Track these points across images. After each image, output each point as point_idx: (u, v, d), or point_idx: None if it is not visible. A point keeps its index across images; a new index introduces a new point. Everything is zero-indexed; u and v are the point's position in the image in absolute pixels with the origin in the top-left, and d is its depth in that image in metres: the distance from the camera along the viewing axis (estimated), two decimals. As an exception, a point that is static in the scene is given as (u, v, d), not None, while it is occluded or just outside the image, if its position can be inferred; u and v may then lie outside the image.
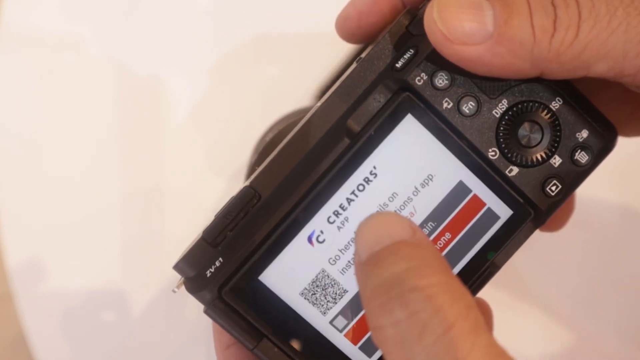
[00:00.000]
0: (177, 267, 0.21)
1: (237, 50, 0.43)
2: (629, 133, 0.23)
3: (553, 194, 0.20)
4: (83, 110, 0.44)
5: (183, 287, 0.22)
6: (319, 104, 0.21)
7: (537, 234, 0.23)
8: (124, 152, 0.43)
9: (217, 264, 0.20)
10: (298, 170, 0.20)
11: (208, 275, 0.20)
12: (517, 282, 0.41)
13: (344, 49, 0.42)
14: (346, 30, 0.23)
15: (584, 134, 0.20)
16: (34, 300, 0.42)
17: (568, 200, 0.23)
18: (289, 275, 0.20)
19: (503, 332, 0.25)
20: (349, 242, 0.20)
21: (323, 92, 0.40)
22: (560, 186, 0.20)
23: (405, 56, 0.20)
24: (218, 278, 0.20)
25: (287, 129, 0.29)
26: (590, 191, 0.40)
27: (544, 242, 0.40)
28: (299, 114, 0.33)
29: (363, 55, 0.21)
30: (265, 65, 0.43)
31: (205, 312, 0.21)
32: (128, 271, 0.42)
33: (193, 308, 0.42)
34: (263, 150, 0.30)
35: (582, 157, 0.20)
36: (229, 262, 0.20)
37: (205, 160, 0.40)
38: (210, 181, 0.39)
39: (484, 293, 0.23)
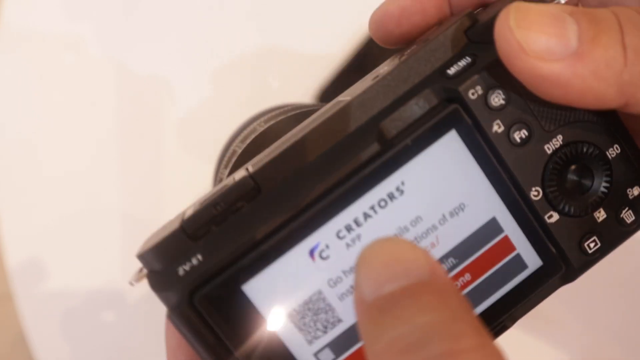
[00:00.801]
0: (143, 257, 0.17)
1: (236, 50, 0.44)
2: None
3: (590, 251, 0.18)
4: (83, 110, 0.44)
5: (144, 281, 0.18)
6: (348, 97, 0.18)
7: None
8: (124, 152, 0.43)
9: (195, 261, 0.17)
10: (312, 169, 0.17)
11: (180, 273, 0.17)
12: None
13: (344, 49, 0.42)
14: (383, 29, 0.20)
15: (636, 191, 0.18)
16: (33, 300, 0.42)
17: None
18: (278, 290, 0.17)
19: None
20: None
21: (323, 92, 0.38)
22: (599, 244, 0.18)
23: (460, 63, 0.17)
24: (192, 279, 0.17)
25: (288, 122, 0.26)
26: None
27: None
28: (291, 108, 0.30)
29: (406, 52, 0.18)
30: (266, 64, 0.43)
31: (168, 317, 0.17)
32: (128, 271, 0.41)
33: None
34: (256, 140, 0.27)
35: (628, 216, 0.18)
36: (209, 262, 0.17)
37: (206, 160, 0.38)
38: (211, 181, 0.38)
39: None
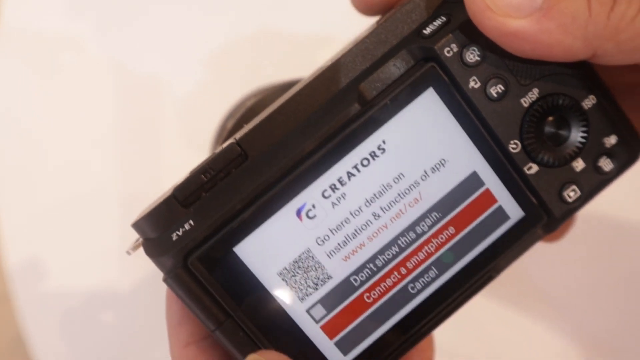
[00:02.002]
0: (137, 226, 0.18)
1: (236, 50, 0.43)
2: None
3: (570, 200, 0.18)
4: (83, 109, 0.44)
5: (140, 250, 0.19)
6: (330, 61, 0.18)
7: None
8: (124, 152, 0.43)
9: (187, 227, 0.17)
10: (296, 133, 0.18)
11: (174, 238, 0.17)
12: (524, 279, 0.41)
13: (340, 31, 0.42)
14: None
15: (612, 140, 0.18)
16: (32, 301, 0.41)
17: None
18: (269, 250, 0.18)
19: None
20: (343, 222, 0.18)
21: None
22: (579, 193, 0.18)
23: (435, 23, 0.18)
24: (186, 243, 0.17)
25: (275, 95, 0.27)
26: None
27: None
28: (281, 83, 0.30)
29: (387, 15, 0.19)
30: (260, 48, 0.43)
31: (165, 281, 0.18)
32: (128, 271, 0.41)
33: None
34: (245, 114, 0.27)
35: (606, 164, 0.18)
36: (201, 226, 0.17)
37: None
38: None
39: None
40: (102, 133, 0.43)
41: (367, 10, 0.21)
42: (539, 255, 0.42)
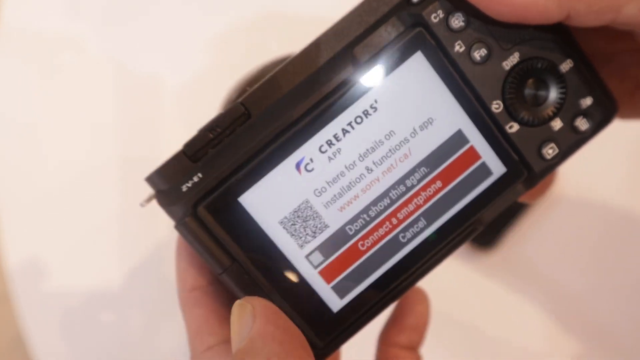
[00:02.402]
0: (150, 179, 0.20)
1: (236, 50, 0.43)
2: (624, 114, 0.23)
3: (549, 157, 0.20)
4: (83, 109, 0.44)
5: (152, 204, 0.20)
6: (327, 29, 0.20)
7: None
8: (124, 152, 0.43)
9: (195, 179, 0.19)
10: (295, 93, 0.19)
11: (184, 189, 0.19)
12: (528, 266, 0.42)
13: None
14: None
15: (588, 101, 0.20)
16: (32, 301, 0.42)
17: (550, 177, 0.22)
18: (270, 201, 0.19)
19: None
20: (338, 175, 0.19)
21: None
22: (557, 150, 0.20)
23: None
24: (194, 194, 0.19)
25: (277, 63, 0.28)
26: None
27: (555, 228, 0.42)
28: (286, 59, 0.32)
29: None
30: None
31: (176, 227, 0.19)
32: (128, 271, 0.42)
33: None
34: (247, 83, 0.29)
35: (582, 124, 0.20)
36: (208, 178, 0.19)
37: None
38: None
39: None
40: (102, 133, 0.43)
41: None
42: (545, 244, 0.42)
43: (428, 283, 0.44)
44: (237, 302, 0.19)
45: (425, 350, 0.40)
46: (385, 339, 0.24)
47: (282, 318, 0.18)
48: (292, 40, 0.44)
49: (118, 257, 0.42)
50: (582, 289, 0.42)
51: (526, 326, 0.41)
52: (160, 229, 0.42)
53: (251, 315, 0.18)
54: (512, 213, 0.41)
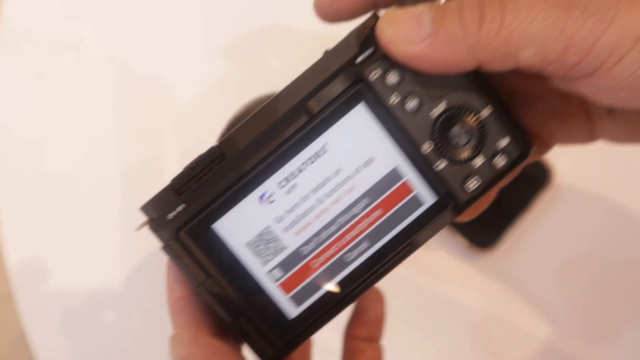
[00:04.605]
0: (144, 208, 0.24)
1: (236, 50, 0.44)
2: (561, 141, 0.27)
3: (472, 189, 0.24)
4: (83, 109, 0.44)
5: (144, 229, 0.25)
6: (287, 85, 0.24)
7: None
8: (124, 152, 0.43)
9: (179, 209, 0.23)
10: (260, 138, 0.23)
11: (169, 218, 0.23)
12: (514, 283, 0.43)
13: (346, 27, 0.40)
14: (320, 10, 0.26)
15: (505, 141, 0.24)
16: (34, 300, 0.42)
17: (486, 195, 0.26)
18: (238, 227, 0.23)
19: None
20: (294, 206, 0.23)
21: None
22: (479, 183, 0.24)
23: (365, 53, 0.23)
24: (177, 222, 0.23)
25: (256, 105, 0.32)
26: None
27: (554, 229, 0.42)
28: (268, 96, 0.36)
29: (331, 48, 0.24)
30: (267, 44, 0.44)
31: (163, 249, 0.24)
32: (128, 271, 0.43)
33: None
34: (233, 121, 0.33)
35: (500, 161, 0.24)
36: (189, 209, 0.23)
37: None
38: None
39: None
40: (103, 134, 0.43)
41: (324, 18, 0.26)
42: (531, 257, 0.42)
43: (428, 283, 0.44)
44: (171, 335, 0.23)
45: (425, 349, 0.41)
46: (348, 334, 0.29)
47: (206, 342, 0.23)
48: (294, 45, 0.43)
49: (119, 257, 0.43)
50: (582, 289, 0.42)
51: (526, 326, 0.42)
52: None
53: (181, 344, 0.22)
54: (512, 214, 0.42)
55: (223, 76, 0.44)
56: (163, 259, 0.41)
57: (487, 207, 0.29)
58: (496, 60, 0.21)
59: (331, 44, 0.24)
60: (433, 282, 0.43)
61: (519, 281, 0.42)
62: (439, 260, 0.43)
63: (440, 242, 0.44)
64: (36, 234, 0.43)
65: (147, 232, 0.42)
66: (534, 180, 0.43)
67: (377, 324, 0.29)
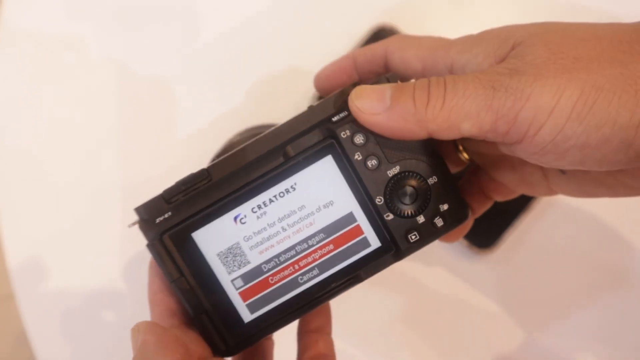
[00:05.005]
0: (137, 210, 0.29)
1: (235, 51, 0.45)
2: (526, 193, 0.32)
3: (412, 241, 0.28)
4: (83, 110, 0.44)
5: (135, 227, 0.29)
6: (273, 128, 0.29)
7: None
8: (124, 152, 0.44)
9: (166, 215, 0.28)
10: (243, 169, 0.28)
11: (157, 221, 0.28)
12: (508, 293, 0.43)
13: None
14: (317, 85, 0.32)
15: (445, 206, 0.28)
16: (35, 301, 0.42)
17: (464, 226, 0.31)
18: (213, 239, 0.28)
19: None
20: (262, 229, 0.28)
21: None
22: (418, 237, 0.28)
23: (340, 114, 0.28)
24: (163, 226, 0.28)
25: (249, 137, 0.37)
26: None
27: (553, 229, 0.43)
28: (258, 127, 0.41)
29: (315, 104, 0.29)
30: (264, 70, 0.45)
31: (147, 246, 0.28)
32: (128, 271, 0.43)
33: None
34: (226, 147, 0.38)
35: (439, 222, 0.28)
36: (174, 217, 0.28)
37: (205, 162, 0.40)
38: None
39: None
40: (103, 134, 0.43)
41: (320, 92, 0.32)
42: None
43: (428, 283, 0.44)
44: (132, 327, 0.27)
45: (425, 348, 0.42)
46: (301, 330, 0.33)
47: (160, 330, 0.26)
48: (295, 47, 0.44)
49: (119, 257, 0.43)
50: (581, 289, 0.42)
51: (526, 326, 0.42)
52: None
53: (138, 333, 0.26)
54: (512, 214, 0.42)
55: (224, 76, 0.45)
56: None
57: (487, 208, 0.34)
58: (443, 131, 0.25)
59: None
60: (433, 282, 0.44)
61: (518, 281, 0.42)
62: (439, 260, 0.44)
63: (440, 242, 0.42)
64: (36, 234, 0.43)
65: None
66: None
67: (324, 316, 0.33)
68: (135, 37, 0.44)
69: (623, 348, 0.42)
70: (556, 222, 0.43)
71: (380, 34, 0.43)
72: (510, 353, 0.43)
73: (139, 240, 0.39)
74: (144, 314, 0.39)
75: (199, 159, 0.39)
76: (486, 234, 0.42)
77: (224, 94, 0.44)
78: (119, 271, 0.43)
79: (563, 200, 0.43)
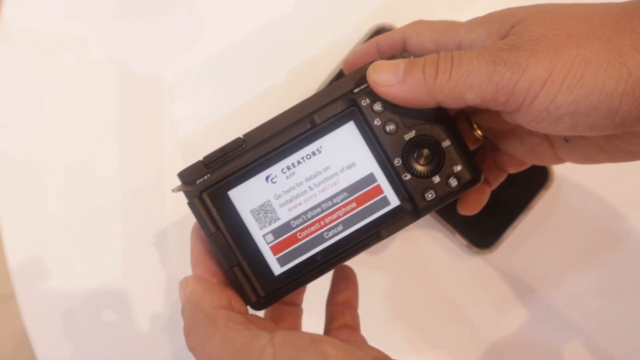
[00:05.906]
0: (180, 174, 0.32)
1: (235, 51, 0.45)
2: (535, 162, 0.34)
3: (429, 199, 0.31)
4: (83, 110, 0.44)
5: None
6: (301, 100, 0.32)
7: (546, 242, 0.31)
8: (124, 152, 0.43)
9: (205, 177, 0.31)
10: (274, 136, 0.31)
11: (197, 182, 0.31)
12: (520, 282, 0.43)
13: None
14: (346, 68, 0.36)
15: (458, 167, 0.31)
16: (35, 300, 0.42)
17: (481, 194, 0.33)
18: (247, 197, 0.31)
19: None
20: (290, 188, 0.31)
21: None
22: (434, 196, 0.31)
23: (361, 87, 0.31)
24: (202, 185, 0.31)
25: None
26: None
27: (553, 229, 0.43)
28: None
29: (336, 81, 0.32)
30: (265, 68, 0.45)
31: (188, 204, 0.32)
32: (128, 271, 0.43)
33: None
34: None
35: (453, 182, 0.31)
36: (213, 178, 0.31)
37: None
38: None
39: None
40: (104, 134, 0.43)
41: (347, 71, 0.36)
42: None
43: (428, 282, 0.45)
44: (180, 281, 0.30)
45: (425, 348, 0.43)
46: (330, 301, 0.35)
47: (206, 280, 0.29)
48: (298, 46, 0.44)
49: (119, 257, 0.43)
50: (581, 289, 0.42)
51: (526, 325, 0.43)
52: (161, 229, 0.44)
53: (187, 284, 0.29)
54: (512, 214, 0.43)
55: (224, 76, 0.45)
56: (162, 259, 0.44)
57: (487, 207, 0.35)
58: (449, 100, 0.28)
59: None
60: (433, 282, 0.44)
61: (518, 281, 0.43)
62: (439, 260, 0.44)
63: (440, 241, 0.44)
64: (36, 234, 0.43)
65: (148, 234, 0.44)
66: (534, 180, 0.43)
67: (353, 291, 0.35)
68: (136, 37, 0.44)
69: (624, 345, 0.42)
70: (556, 222, 0.44)
71: (379, 34, 0.46)
72: (510, 352, 0.43)
73: (139, 240, 0.43)
74: (144, 314, 0.43)
75: (200, 159, 0.40)
76: (486, 234, 0.43)
77: (224, 94, 0.45)
78: (119, 271, 0.43)
79: (563, 200, 0.43)
